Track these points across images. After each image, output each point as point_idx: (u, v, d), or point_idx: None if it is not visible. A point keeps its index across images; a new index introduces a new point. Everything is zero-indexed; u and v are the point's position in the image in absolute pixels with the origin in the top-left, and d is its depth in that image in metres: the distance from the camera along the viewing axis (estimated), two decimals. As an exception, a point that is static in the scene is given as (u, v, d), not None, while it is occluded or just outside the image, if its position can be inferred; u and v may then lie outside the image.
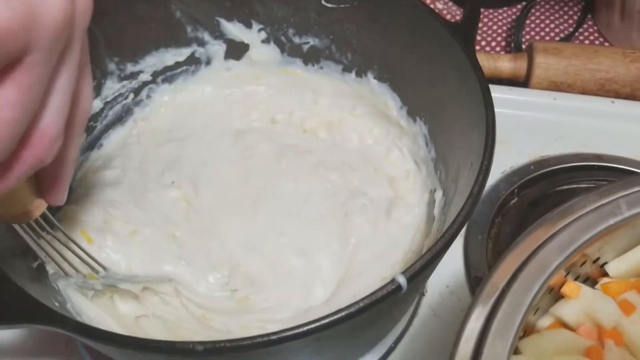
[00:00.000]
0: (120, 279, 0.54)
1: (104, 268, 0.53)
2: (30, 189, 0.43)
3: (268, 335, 0.39)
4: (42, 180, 0.43)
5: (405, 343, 0.61)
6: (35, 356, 0.60)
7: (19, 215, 0.44)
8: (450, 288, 0.65)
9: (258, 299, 0.56)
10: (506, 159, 0.74)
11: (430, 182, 0.63)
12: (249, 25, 0.67)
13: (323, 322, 0.39)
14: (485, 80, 0.51)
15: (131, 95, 0.67)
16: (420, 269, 0.42)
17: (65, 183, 0.43)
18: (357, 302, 0.40)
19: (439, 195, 0.60)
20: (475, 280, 0.65)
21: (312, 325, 0.39)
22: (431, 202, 0.61)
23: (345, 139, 0.68)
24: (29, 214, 0.44)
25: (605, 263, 0.43)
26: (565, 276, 0.40)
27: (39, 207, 0.44)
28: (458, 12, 0.94)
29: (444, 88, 0.57)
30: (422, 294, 0.65)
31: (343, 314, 0.40)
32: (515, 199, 0.72)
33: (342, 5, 0.63)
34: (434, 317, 0.63)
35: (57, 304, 0.50)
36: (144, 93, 0.68)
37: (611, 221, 0.39)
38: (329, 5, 0.63)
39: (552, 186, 0.72)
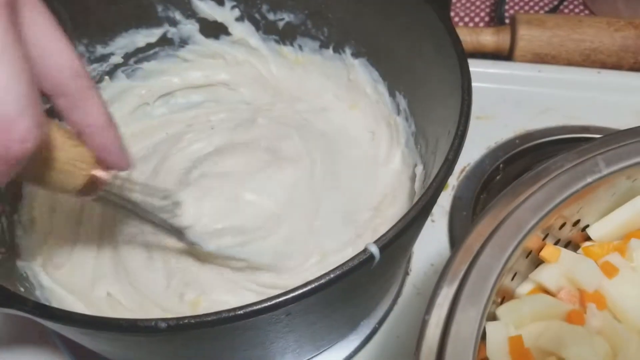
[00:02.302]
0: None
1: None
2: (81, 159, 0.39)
3: (234, 310, 0.37)
4: (94, 151, 0.39)
5: (390, 323, 0.60)
6: (9, 347, 0.59)
7: (86, 187, 0.40)
8: (435, 267, 0.64)
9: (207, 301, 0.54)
10: (491, 134, 0.72)
11: (412, 158, 0.61)
12: (221, 3, 0.65)
13: (291, 294, 0.38)
14: (461, 45, 0.49)
15: (106, 79, 0.65)
16: (393, 238, 0.40)
17: (115, 144, 0.40)
18: (327, 273, 0.38)
19: (419, 169, 0.58)
20: (460, 257, 0.63)
21: (281, 299, 0.37)
22: (412, 178, 0.60)
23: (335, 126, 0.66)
24: (95, 184, 0.41)
25: (587, 226, 0.41)
26: (544, 239, 0.39)
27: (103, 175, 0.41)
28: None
29: (421, 57, 0.56)
30: (407, 273, 0.63)
31: (313, 285, 0.38)
32: (501, 174, 0.70)
33: (316, -23, 0.61)
34: (418, 297, 0.62)
35: (22, 289, 0.49)
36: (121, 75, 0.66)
37: (589, 179, 0.37)
38: (302, -23, 0.61)
39: (538, 160, 0.70)
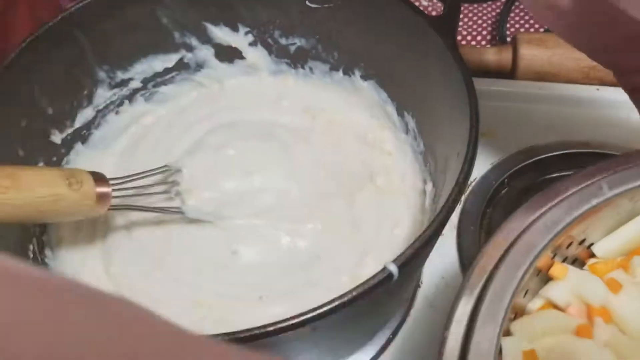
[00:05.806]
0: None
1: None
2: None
3: (265, 326, 0.40)
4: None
5: (404, 333, 0.62)
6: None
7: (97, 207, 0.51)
8: (445, 279, 0.66)
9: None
10: (495, 150, 0.74)
11: (421, 175, 0.64)
12: (235, 29, 0.68)
13: (318, 311, 0.40)
14: (468, 70, 0.52)
15: (126, 102, 0.68)
16: (411, 257, 0.43)
17: None
18: (350, 291, 0.41)
19: (429, 187, 0.61)
20: (469, 270, 0.65)
21: (308, 315, 0.40)
22: (423, 194, 0.62)
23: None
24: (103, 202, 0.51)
25: (592, 244, 0.44)
26: (553, 258, 0.41)
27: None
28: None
29: (429, 81, 0.58)
30: (418, 286, 0.66)
31: (337, 303, 0.41)
32: (506, 189, 0.72)
33: (326, 5, 0.64)
34: (430, 309, 0.64)
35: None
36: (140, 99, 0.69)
37: (594, 202, 0.40)
38: (313, 5, 0.64)
39: (542, 174, 0.73)
